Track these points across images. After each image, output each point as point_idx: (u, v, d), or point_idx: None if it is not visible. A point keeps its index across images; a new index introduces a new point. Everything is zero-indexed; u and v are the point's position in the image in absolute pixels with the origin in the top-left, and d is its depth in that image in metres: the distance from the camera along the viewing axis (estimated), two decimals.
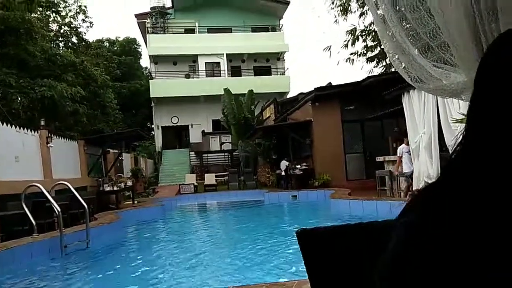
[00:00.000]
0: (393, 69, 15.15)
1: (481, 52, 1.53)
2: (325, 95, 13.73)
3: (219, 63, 29.52)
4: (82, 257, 6.20)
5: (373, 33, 15.94)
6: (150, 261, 5.94)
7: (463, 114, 4.94)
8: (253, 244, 6.67)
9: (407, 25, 1.89)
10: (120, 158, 17.87)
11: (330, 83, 15.53)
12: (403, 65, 1.90)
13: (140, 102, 32.75)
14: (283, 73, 31.21)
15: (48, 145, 11.05)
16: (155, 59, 29.65)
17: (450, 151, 0.54)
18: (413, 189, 9.23)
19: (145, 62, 40.10)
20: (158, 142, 28.70)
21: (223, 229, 9.46)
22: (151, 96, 28.13)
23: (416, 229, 0.47)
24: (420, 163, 8.71)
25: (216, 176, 19.59)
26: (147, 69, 36.67)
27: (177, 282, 4.66)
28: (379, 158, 10.91)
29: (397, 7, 1.91)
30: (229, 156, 24.82)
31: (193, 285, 4.45)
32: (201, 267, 5.34)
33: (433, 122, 8.09)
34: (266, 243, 6.66)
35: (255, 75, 30.17)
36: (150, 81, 29.24)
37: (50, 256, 5.93)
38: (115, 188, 12.64)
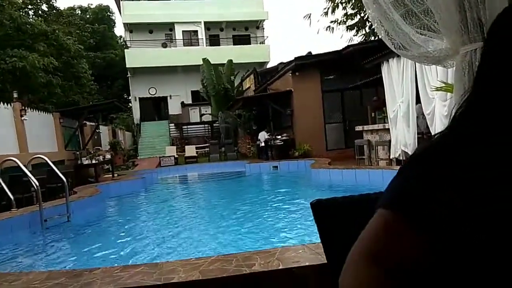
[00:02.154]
0: (372, 38, 15.15)
1: (464, 19, 1.53)
2: (305, 65, 13.66)
3: (196, 31, 28.79)
4: (63, 231, 6.16)
5: (353, 1, 15.79)
6: (132, 233, 5.95)
7: (443, 82, 5.02)
8: (238, 214, 6.75)
9: None
10: (97, 130, 17.53)
11: (310, 52, 15.43)
12: (387, 31, 1.89)
13: (115, 72, 31.87)
14: (262, 42, 30.75)
15: (22, 118, 10.72)
16: (130, 27, 28.67)
17: (455, 111, 0.58)
18: (390, 157, 9.45)
19: (119, 30, 38.80)
20: (136, 114, 28.19)
21: (206, 200, 9.51)
22: (127, 66, 27.37)
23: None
24: (397, 131, 8.87)
25: (196, 148, 19.54)
26: (122, 38, 35.47)
27: (161, 252, 4.71)
28: (358, 128, 11.05)
29: None
30: (210, 127, 24.70)
31: (178, 254, 4.50)
32: (186, 237, 5.39)
33: (411, 91, 8.20)
34: (251, 212, 6.75)
35: (234, 44, 29.61)
36: (125, 50, 28.37)
37: (31, 231, 5.87)
38: (93, 162, 12.45)
